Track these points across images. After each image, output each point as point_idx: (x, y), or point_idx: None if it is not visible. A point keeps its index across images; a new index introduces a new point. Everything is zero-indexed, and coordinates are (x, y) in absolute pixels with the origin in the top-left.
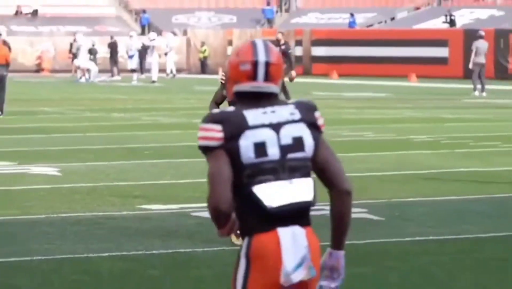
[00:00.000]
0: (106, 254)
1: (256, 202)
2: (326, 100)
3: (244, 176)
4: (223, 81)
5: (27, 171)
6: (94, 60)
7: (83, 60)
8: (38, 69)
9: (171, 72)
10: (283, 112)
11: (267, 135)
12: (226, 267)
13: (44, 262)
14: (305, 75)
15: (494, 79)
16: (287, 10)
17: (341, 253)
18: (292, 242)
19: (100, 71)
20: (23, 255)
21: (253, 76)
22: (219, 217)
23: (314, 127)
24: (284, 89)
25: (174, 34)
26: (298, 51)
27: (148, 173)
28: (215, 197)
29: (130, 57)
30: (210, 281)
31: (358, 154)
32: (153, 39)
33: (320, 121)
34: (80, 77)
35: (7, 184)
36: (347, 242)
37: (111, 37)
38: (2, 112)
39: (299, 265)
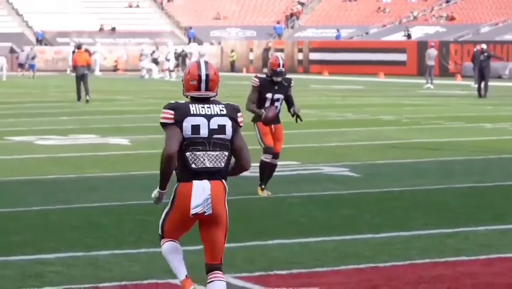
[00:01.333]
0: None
1: (185, 163)
2: (320, 91)
3: (183, 145)
4: (255, 84)
5: (107, 141)
6: (155, 62)
7: (146, 62)
8: (115, 69)
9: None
10: (215, 108)
11: (201, 121)
12: (249, 210)
13: (119, 206)
14: (305, 73)
15: (438, 76)
16: (292, 27)
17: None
18: (200, 190)
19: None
20: (104, 201)
21: (198, 88)
22: (168, 160)
23: (235, 121)
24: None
25: (212, 44)
26: (300, 56)
27: None
28: (168, 147)
29: (168, 60)
30: (237, 220)
31: (342, 129)
32: (157, 48)
33: (240, 119)
34: (144, 75)
35: (93, 150)
36: (335, 192)
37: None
38: (88, 98)
39: (199, 205)
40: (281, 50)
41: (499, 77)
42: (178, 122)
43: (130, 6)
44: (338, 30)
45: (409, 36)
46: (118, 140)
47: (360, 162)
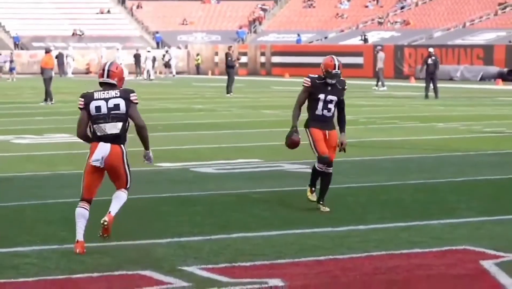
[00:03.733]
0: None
1: (94, 132)
2: (281, 92)
3: (91, 120)
4: (306, 85)
5: (79, 140)
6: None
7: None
8: (87, 72)
9: (171, 73)
10: (111, 93)
11: (101, 103)
12: (214, 205)
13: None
14: (267, 75)
15: (393, 79)
16: (255, 32)
17: (148, 151)
18: (101, 149)
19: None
20: (77, 196)
21: (102, 75)
22: (81, 138)
23: (128, 100)
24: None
25: (179, 48)
26: (262, 59)
27: (160, 141)
28: (77, 131)
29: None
30: (202, 214)
31: (302, 128)
32: (166, 51)
33: (132, 98)
34: None
35: (66, 149)
36: (295, 188)
37: (136, 50)
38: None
39: (98, 159)
40: (245, 54)
41: (451, 79)
42: (86, 106)
43: (102, 12)
44: (298, 35)
45: (365, 40)
46: None
47: None
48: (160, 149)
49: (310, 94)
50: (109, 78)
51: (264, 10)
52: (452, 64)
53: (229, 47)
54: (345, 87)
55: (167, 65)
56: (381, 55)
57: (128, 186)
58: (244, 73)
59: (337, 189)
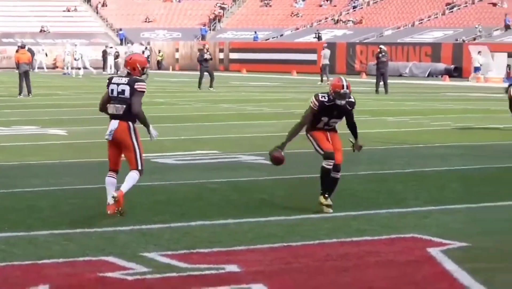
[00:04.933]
0: (94, 186)
1: (108, 109)
2: (239, 87)
3: (109, 100)
4: (314, 108)
5: (47, 132)
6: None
7: (75, 62)
8: (54, 67)
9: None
10: (123, 79)
11: (114, 87)
12: (174, 194)
13: (57, 190)
14: (225, 71)
15: (346, 74)
16: (214, 29)
17: (149, 130)
18: (111, 125)
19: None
20: (44, 186)
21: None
22: (100, 111)
23: (132, 88)
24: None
25: (141, 44)
26: (221, 55)
27: None
28: (99, 104)
29: (76, 59)
30: (163, 203)
31: (259, 121)
32: (146, 48)
33: (136, 86)
34: (68, 73)
35: (34, 140)
36: (251, 178)
37: (105, 47)
38: (30, 94)
39: (107, 134)
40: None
41: (400, 75)
42: (107, 87)
43: (68, 10)
44: (255, 32)
45: (319, 38)
46: (56, 131)
47: None
48: None
49: (313, 116)
50: (125, 68)
51: (223, 8)
52: (402, 61)
53: (203, 45)
54: (354, 107)
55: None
56: (325, 52)
57: (139, 168)
58: None
59: (291, 179)
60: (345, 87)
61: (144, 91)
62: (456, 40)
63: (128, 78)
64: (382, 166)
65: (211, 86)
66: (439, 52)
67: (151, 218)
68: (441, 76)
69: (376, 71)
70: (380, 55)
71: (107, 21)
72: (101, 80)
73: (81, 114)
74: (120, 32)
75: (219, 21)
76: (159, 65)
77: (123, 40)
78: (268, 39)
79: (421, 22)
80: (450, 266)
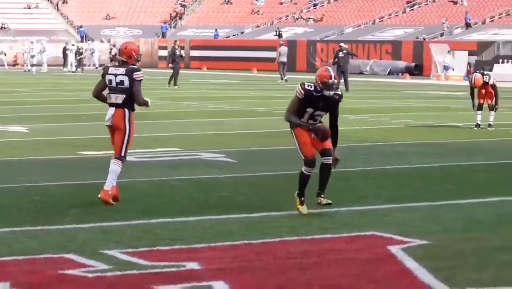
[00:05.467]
0: (55, 183)
1: (108, 99)
2: (200, 85)
3: (107, 90)
4: (300, 96)
5: (7, 129)
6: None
7: (35, 59)
8: (15, 64)
9: (95, 65)
10: (120, 70)
11: (112, 77)
12: (135, 192)
13: (18, 188)
14: (186, 68)
15: (306, 72)
16: (175, 27)
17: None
18: (109, 112)
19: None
20: (4, 183)
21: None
22: (95, 97)
23: (130, 78)
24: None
25: (102, 41)
26: (182, 53)
27: (82, 130)
28: (93, 91)
29: (32, 56)
30: (124, 200)
31: (219, 119)
32: (114, 45)
33: (135, 76)
34: (29, 70)
35: None
36: (212, 176)
37: (65, 44)
38: None
39: (106, 120)
40: (165, 48)
41: (361, 73)
42: (103, 76)
43: (29, 7)
44: (216, 30)
45: (280, 35)
46: (17, 128)
47: (235, 149)
48: (83, 138)
49: (300, 105)
50: (120, 56)
51: (183, 6)
52: (362, 59)
53: (175, 41)
54: (341, 100)
55: (113, 59)
56: (282, 49)
57: (122, 154)
58: (164, 66)
59: (252, 177)
60: (332, 77)
61: (142, 80)
62: (417, 38)
63: (125, 69)
64: (343, 164)
65: (169, 83)
66: (399, 50)
67: (112, 215)
68: (402, 74)
69: (336, 69)
70: (341, 53)
71: (67, 18)
72: (62, 78)
73: (41, 111)
74: (81, 29)
75: (179, 18)
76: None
77: (84, 38)
78: (229, 36)
79: (382, 20)
80: (410, 264)
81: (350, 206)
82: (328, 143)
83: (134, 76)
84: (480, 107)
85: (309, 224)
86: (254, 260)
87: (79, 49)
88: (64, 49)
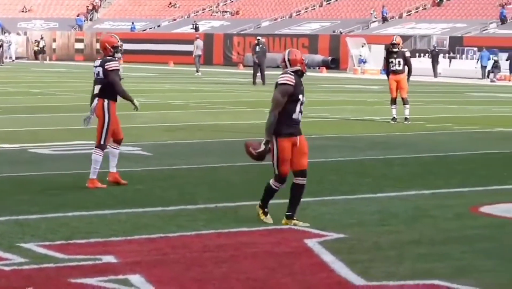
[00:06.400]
0: None
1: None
2: None
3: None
4: (291, 83)
5: None
6: None
7: None
8: None
9: (11, 58)
10: (97, 62)
11: (94, 70)
12: (51, 185)
13: None
14: None
15: (223, 66)
16: (91, 20)
17: (134, 102)
18: (93, 103)
19: None
20: None
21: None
22: None
23: (104, 68)
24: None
25: (18, 34)
26: (98, 46)
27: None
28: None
29: None
30: (40, 193)
31: (135, 112)
32: (41, 38)
33: (106, 66)
34: None
35: None
36: (129, 169)
37: None
38: None
39: (91, 110)
40: (82, 41)
41: (278, 66)
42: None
43: None
44: (133, 23)
45: (196, 29)
46: None
47: (151, 142)
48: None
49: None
50: (99, 48)
51: None
52: (279, 52)
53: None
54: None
55: (41, 51)
56: (198, 43)
57: (101, 142)
58: (81, 59)
59: (168, 170)
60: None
61: (114, 69)
62: (334, 32)
63: (100, 60)
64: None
65: None
66: (316, 44)
67: (28, 208)
68: (319, 68)
69: (253, 63)
70: (258, 47)
71: None
72: None
73: None
74: None
75: (96, 11)
76: (36, 56)
77: (0, 30)
78: (145, 30)
79: (299, 14)
80: (327, 257)
81: None
82: (305, 164)
83: (106, 67)
84: (394, 102)
85: (225, 218)
86: (170, 253)
87: (1, 40)
88: None
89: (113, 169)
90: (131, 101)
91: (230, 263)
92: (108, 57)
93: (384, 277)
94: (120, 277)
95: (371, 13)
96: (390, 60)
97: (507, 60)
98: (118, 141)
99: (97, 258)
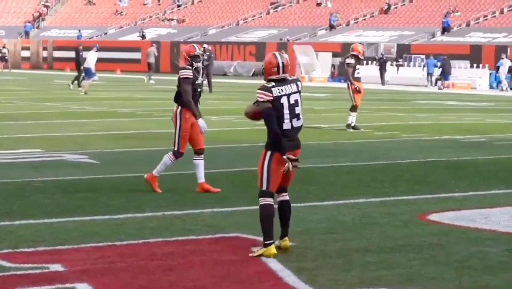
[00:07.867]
0: None
1: None
2: (63, 86)
3: None
4: (268, 98)
5: None
6: None
7: None
8: None
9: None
10: None
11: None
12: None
13: None
14: (49, 69)
15: (170, 73)
16: (38, 27)
17: None
18: None
19: None
20: None
21: None
22: None
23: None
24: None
25: None
26: (44, 54)
27: None
28: None
29: None
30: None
31: (82, 120)
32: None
33: (179, 75)
34: None
35: None
36: (75, 177)
37: None
38: None
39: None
40: (28, 49)
41: (225, 74)
42: None
43: None
44: (79, 31)
45: (143, 36)
46: None
47: (98, 150)
48: None
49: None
50: None
51: (46, 6)
52: (226, 60)
53: (79, 44)
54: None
55: (2, 59)
56: (151, 50)
57: (174, 148)
58: (27, 67)
59: (115, 178)
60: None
61: (185, 77)
62: (281, 39)
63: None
64: (206, 165)
65: (72, 82)
66: (263, 52)
67: None
68: None
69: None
70: (205, 55)
71: None
72: None
73: None
74: None
75: (43, 19)
76: None
77: None
78: (92, 37)
79: (246, 21)
80: (274, 265)
81: (214, 207)
82: (289, 183)
83: (179, 75)
84: (355, 109)
85: (173, 226)
86: (118, 262)
87: None
88: None
89: (200, 180)
90: (194, 115)
91: (178, 271)
92: (184, 66)
93: (331, 285)
94: (68, 285)
95: (336, 18)
96: (357, 67)
97: (439, 68)
98: (198, 152)
99: (45, 266)
